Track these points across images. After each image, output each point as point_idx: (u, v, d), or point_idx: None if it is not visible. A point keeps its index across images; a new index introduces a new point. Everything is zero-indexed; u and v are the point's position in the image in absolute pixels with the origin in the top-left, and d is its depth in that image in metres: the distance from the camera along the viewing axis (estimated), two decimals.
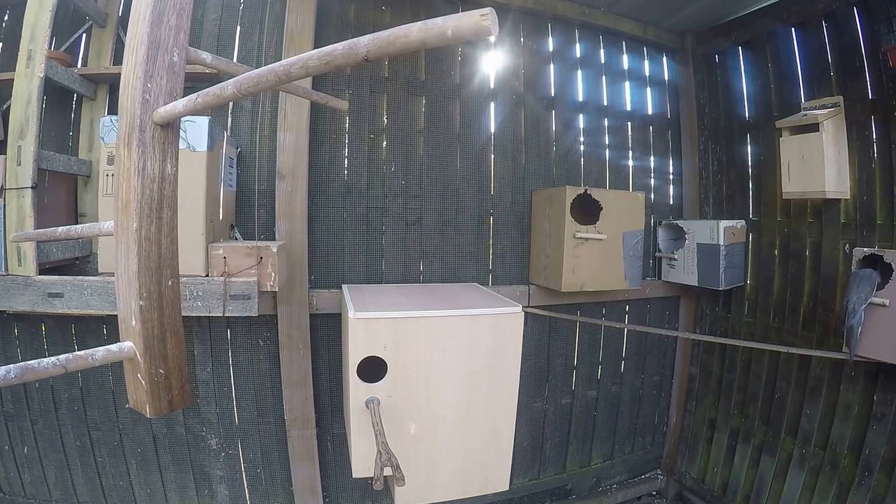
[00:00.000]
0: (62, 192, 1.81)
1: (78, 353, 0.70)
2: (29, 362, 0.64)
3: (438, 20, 0.50)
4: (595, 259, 2.14)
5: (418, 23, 0.51)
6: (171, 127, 0.78)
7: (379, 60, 2.05)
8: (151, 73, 0.74)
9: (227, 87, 0.67)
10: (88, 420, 2.03)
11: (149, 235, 0.76)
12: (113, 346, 0.77)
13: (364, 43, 0.54)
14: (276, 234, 1.95)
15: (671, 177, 2.81)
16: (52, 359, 0.67)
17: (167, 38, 0.76)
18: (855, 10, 1.98)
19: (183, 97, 0.74)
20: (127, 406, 1.98)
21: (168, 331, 0.82)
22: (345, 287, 1.88)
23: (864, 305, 1.70)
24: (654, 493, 2.86)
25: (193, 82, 1.83)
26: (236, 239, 1.92)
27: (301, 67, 0.60)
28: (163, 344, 0.81)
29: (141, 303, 0.77)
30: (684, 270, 2.52)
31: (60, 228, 0.99)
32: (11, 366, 0.62)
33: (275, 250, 1.59)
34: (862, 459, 1.93)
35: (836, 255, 2.08)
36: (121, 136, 0.76)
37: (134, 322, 0.78)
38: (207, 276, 1.58)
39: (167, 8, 0.76)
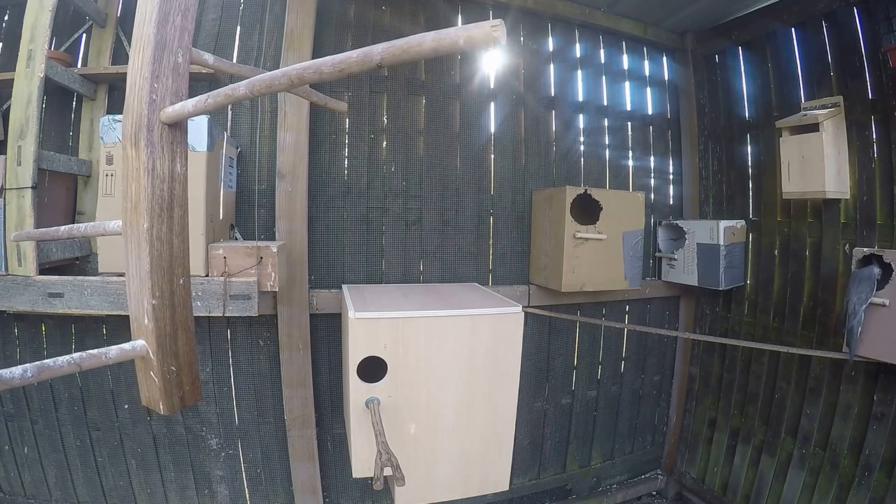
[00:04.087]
0: (62, 192, 1.81)
1: (91, 351, 0.70)
2: (45, 361, 0.64)
3: (451, 31, 0.52)
4: (595, 259, 2.14)
5: (431, 32, 0.53)
6: (178, 127, 0.78)
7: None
8: (158, 74, 0.74)
9: (239, 88, 0.67)
10: (88, 420, 2.03)
11: (160, 235, 0.76)
12: (126, 345, 0.77)
13: (379, 51, 0.55)
14: (276, 234, 1.94)
15: (671, 177, 2.81)
16: (67, 357, 0.67)
17: (172, 39, 0.76)
18: (855, 10, 1.99)
19: (190, 97, 0.74)
20: (126, 407, 2.00)
21: (179, 328, 0.82)
22: (345, 287, 1.88)
23: (864, 306, 1.71)
24: (654, 493, 2.87)
25: (189, 81, 1.83)
26: (236, 239, 1.92)
27: (314, 73, 0.60)
28: (174, 341, 0.81)
29: (154, 301, 0.77)
30: (684, 270, 2.53)
31: (63, 227, 0.98)
32: (28, 365, 0.62)
33: (275, 250, 1.59)
34: (862, 459, 1.93)
35: (836, 255, 2.08)
36: (127, 136, 0.76)
37: (146, 321, 0.78)
38: (207, 276, 1.58)
39: (172, 9, 0.76)
